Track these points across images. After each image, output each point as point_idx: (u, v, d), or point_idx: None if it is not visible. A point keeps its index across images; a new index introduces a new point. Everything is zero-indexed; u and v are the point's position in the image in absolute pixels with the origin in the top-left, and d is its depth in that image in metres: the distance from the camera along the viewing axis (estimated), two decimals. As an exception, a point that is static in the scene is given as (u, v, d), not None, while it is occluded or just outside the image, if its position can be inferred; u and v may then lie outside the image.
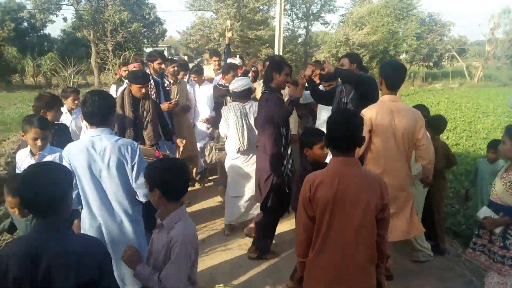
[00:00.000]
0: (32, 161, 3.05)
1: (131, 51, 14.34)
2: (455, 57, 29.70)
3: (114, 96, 5.74)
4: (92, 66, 22.42)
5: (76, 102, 4.59)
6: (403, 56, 28.14)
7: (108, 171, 2.53)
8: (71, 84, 7.66)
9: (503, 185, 2.90)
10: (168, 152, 3.98)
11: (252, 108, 4.23)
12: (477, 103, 15.94)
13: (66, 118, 4.65)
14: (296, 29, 25.77)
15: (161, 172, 2.03)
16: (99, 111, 2.50)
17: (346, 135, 2.11)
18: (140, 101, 4.02)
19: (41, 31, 25.13)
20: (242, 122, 4.13)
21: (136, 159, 2.58)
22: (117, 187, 2.58)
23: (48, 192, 1.65)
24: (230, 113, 4.20)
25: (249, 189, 4.29)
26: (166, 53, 41.54)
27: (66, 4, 23.43)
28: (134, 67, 5.57)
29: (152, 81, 4.60)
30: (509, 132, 2.94)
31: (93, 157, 2.49)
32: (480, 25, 30.00)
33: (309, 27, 25.67)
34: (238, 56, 5.51)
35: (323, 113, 4.64)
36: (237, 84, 4.26)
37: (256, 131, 4.07)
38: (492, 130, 10.24)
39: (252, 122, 4.16)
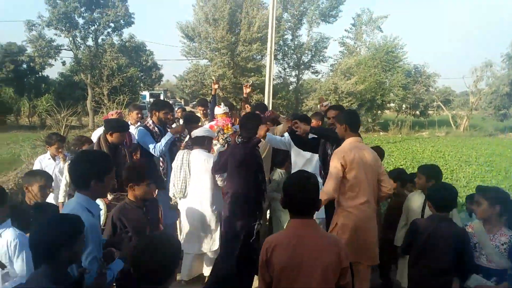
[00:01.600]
0: None
1: (126, 95, 14.81)
2: (441, 107, 30.76)
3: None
4: (87, 108, 22.92)
5: (60, 150, 4.78)
6: (392, 105, 29.15)
7: None
8: (63, 126, 7.94)
9: (495, 248, 2.79)
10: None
11: (197, 156, 4.14)
12: (461, 152, 16.41)
13: (49, 164, 4.84)
14: (287, 77, 26.81)
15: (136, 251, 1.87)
16: (78, 174, 2.32)
17: (303, 198, 2.11)
18: (116, 148, 4.10)
19: (39, 73, 25.87)
20: (181, 170, 4.13)
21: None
22: None
23: (44, 239, 1.81)
24: (177, 159, 4.23)
25: (204, 239, 4.13)
26: (162, 96, 42.55)
27: (65, 49, 24.31)
28: (115, 113, 5.69)
29: (156, 129, 4.62)
30: (481, 191, 2.88)
31: None
32: (464, 77, 31.21)
33: (300, 75, 26.74)
34: (222, 104, 5.69)
35: (298, 160, 4.69)
36: (197, 130, 4.32)
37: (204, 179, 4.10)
38: (472, 178, 10.54)
39: (192, 170, 4.12)
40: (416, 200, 3.73)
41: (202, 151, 4.19)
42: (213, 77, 6.92)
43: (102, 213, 3.38)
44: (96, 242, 2.24)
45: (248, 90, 6.02)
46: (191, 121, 4.95)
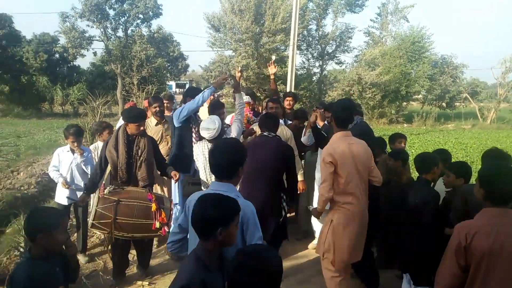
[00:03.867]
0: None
1: (154, 85, 15.50)
2: (468, 99, 30.16)
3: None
4: (117, 97, 23.87)
5: (75, 144, 4.51)
6: (418, 96, 28.84)
7: None
8: (99, 114, 8.52)
9: None
10: (162, 193, 3.91)
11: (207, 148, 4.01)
12: (484, 144, 16.24)
13: (66, 158, 4.57)
14: (311, 68, 26.92)
15: None
16: (231, 162, 2.33)
17: (504, 188, 2.13)
18: (135, 140, 3.84)
19: (71, 63, 27.01)
20: (203, 159, 4.04)
21: (250, 226, 2.26)
22: None
23: (205, 216, 1.90)
24: (199, 152, 4.09)
25: None
26: (187, 86, 43.37)
27: (96, 40, 25.27)
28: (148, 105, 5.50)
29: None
30: None
31: None
32: (492, 69, 30.35)
33: (324, 66, 26.79)
34: (243, 93, 5.73)
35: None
36: (208, 128, 4.00)
37: None
38: (491, 170, 10.60)
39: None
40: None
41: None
42: (237, 65, 6.52)
43: (93, 204, 3.40)
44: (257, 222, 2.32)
45: (274, 69, 5.73)
46: (216, 108, 4.78)
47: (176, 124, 4.45)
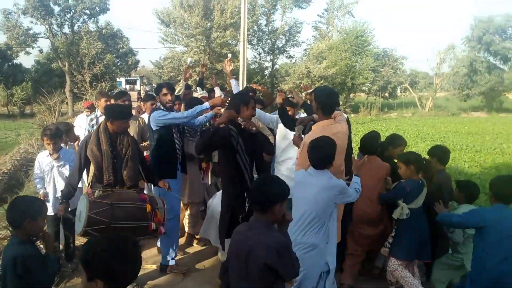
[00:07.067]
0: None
1: (107, 82, 15.46)
2: (408, 89, 32.40)
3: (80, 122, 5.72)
4: (66, 96, 23.25)
5: (49, 145, 4.14)
6: (364, 88, 30.55)
7: None
8: (56, 112, 8.55)
9: None
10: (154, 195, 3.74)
11: None
12: (420, 130, 17.87)
13: (46, 163, 4.24)
14: (262, 62, 27.69)
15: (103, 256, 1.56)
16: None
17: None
18: (117, 139, 3.57)
19: (12, 62, 25.81)
20: None
21: None
22: None
23: (266, 194, 2.26)
24: None
25: None
26: (138, 82, 42.40)
27: (42, 37, 24.38)
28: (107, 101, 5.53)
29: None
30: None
31: None
32: (428, 60, 32.84)
33: (275, 60, 27.64)
34: (199, 88, 5.88)
35: (282, 143, 4.59)
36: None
37: None
38: (424, 152, 11.86)
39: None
40: None
41: None
42: (229, 54, 5.59)
43: (84, 211, 3.12)
44: None
45: (230, 66, 5.22)
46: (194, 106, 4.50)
47: (154, 127, 4.15)
